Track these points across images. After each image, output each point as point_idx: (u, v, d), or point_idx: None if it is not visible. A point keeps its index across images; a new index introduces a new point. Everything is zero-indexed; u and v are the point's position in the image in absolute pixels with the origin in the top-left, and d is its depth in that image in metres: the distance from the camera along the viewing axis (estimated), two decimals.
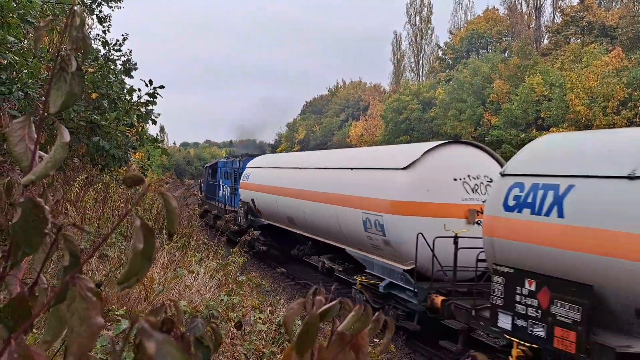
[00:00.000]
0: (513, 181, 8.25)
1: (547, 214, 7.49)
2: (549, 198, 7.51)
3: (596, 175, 6.88)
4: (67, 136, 1.07)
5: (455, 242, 9.97)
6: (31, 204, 1.04)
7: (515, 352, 7.92)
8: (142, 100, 7.03)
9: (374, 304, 12.41)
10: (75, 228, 1.02)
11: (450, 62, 58.29)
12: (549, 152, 8.39)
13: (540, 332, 7.39)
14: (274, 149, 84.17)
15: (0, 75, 4.90)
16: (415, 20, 67.03)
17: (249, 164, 23.02)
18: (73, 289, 0.84)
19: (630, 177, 6.36)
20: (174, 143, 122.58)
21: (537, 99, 32.94)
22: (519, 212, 8.00)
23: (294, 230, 18.11)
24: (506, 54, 47.50)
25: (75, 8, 1.11)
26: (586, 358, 6.65)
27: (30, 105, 5.19)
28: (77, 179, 11.00)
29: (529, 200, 7.86)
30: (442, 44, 63.24)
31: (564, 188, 7.30)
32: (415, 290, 10.84)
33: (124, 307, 5.33)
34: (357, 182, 13.35)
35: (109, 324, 4.57)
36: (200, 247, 12.42)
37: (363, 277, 13.18)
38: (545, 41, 49.24)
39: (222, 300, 7.63)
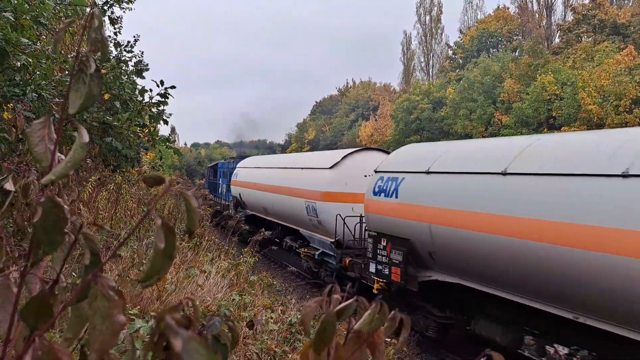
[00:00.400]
0: (379, 176, 12.45)
1: (391, 196, 11.60)
2: (393, 186, 11.67)
3: (413, 171, 11.12)
4: (86, 137, 1.08)
5: (360, 220, 14.40)
6: (51, 204, 1.06)
7: (376, 285, 12.14)
8: (153, 101, 7.07)
9: (314, 268, 17.62)
10: (96, 227, 1.03)
11: (461, 61, 58.10)
12: (400, 156, 12.60)
13: (386, 271, 11.70)
14: (284, 149, 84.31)
15: (14, 77, 4.95)
16: (425, 19, 66.92)
17: (238, 165, 27.41)
18: (95, 288, 0.85)
19: (427, 172, 10.63)
20: (185, 143, 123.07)
21: (548, 98, 32.77)
22: (379, 196, 12.21)
23: (268, 218, 22.21)
24: (517, 53, 47.28)
25: (95, 10, 1.12)
26: (405, 284, 11.02)
27: (43, 106, 5.24)
28: (90, 179, 11.08)
29: (384, 187, 12.04)
30: (452, 43, 63.06)
31: (400, 180, 11.50)
32: (335, 255, 15.32)
33: (137, 307, 5.37)
34: (301, 178, 17.82)
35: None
36: (212, 247, 12.47)
37: (306, 250, 17.95)
38: (557, 40, 48.97)
39: (233, 299, 7.66)
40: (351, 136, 62.31)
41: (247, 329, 6.38)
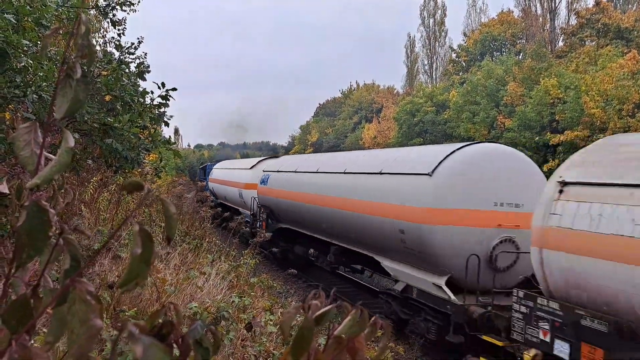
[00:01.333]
0: (264, 174, 22.21)
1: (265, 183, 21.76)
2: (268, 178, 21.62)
3: (285, 171, 20.08)
4: (71, 141, 1.09)
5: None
6: (36, 208, 1.07)
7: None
8: (154, 103, 7.08)
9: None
10: (77, 232, 1.04)
11: (464, 64, 58.06)
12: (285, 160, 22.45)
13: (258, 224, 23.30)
14: (287, 151, 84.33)
15: (15, 78, 4.97)
16: (429, 22, 66.86)
17: (214, 166, 37.80)
18: (73, 292, 0.86)
19: (295, 172, 19.39)
20: (189, 145, 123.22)
21: (551, 101, 32.71)
22: (264, 184, 22.08)
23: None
24: (520, 57, 47.23)
25: (82, 16, 1.13)
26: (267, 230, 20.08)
27: (44, 107, 5.26)
28: (92, 180, 11.12)
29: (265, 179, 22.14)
30: (455, 47, 63.02)
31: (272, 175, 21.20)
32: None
33: (135, 308, 5.38)
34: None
35: (119, 324, 4.61)
36: (213, 248, 12.49)
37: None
38: (560, 43, 48.90)
39: (233, 301, 7.67)
40: (354, 138, 62.28)
41: (246, 331, 6.39)
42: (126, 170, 9.86)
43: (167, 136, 10.23)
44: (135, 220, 0.86)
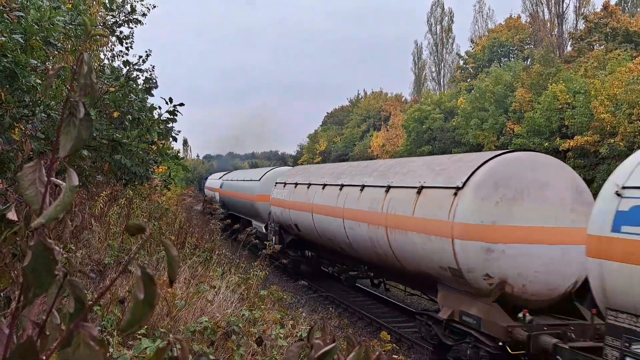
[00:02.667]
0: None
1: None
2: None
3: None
4: (75, 180, 1.10)
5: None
6: (42, 247, 1.08)
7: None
8: (162, 118, 7.12)
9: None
10: (81, 273, 1.05)
11: (472, 71, 57.99)
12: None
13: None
14: (295, 160, 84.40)
15: (24, 98, 5.02)
16: (436, 29, 66.89)
17: (210, 177, 50.46)
18: (78, 337, 0.87)
19: (258, 179, 26.27)
20: (197, 155, 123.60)
21: (560, 106, 32.58)
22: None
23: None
24: (528, 62, 47.12)
25: (84, 55, 1.15)
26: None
27: (53, 126, 5.30)
28: (101, 194, 11.18)
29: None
30: (463, 53, 62.97)
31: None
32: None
33: (146, 326, 5.38)
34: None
35: (130, 342, 4.62)
36: (222, 261, 12.51)
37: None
38: (568, 48, 48.76)
39: (243, 315, 7.66)
40: (363, 147, 62.25)
41: (256, 346, 6.38)
42: (136, 184, 9.90)
43: (176, 149, 10.28)
44: (137, 263, 0.87)
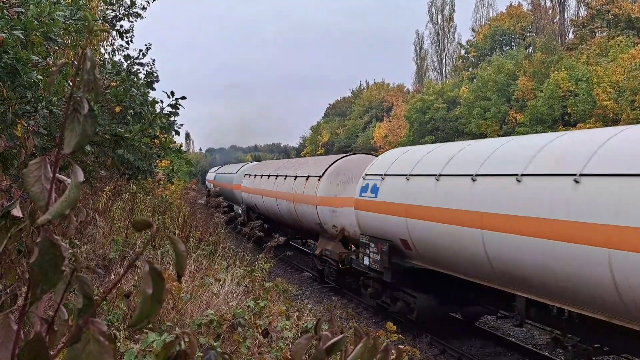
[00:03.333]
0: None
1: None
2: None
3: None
4: (81, 176, 1.10)
5: None
6: (48, 243, 1.08)
7: None
8: (164, 112, 7.12)
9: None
10: (90, 270, 1.05)
11: (474, 60, 57.83)
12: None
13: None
14: (298, 152, 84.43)
15: (26, 94, 5.02)
16: (437, 19, 66.70)
17: (209, 170, 53.36)
18: (87, 333, 0.87)
19: (235, 172, 33.65)
20: (200, 149, 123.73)
21: (562, 94, 32.51)
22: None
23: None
24: (530, 50, 46.96)
25: (87, 51, 1.15)
26: None
27: (55, 122, 5.30)
28: (105, 189, 11.19)
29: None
30: (464, 42, 62.79)
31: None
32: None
33: (150, 323, 5.40)
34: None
35: (137, 336, 4.64)
36: (227, 253, 12.54)
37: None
38: (571, 36, 48.58)
39: (248, 307, 7.68)
40: (365, 138, 62.23)
41: (262, 337, 6.40)
42: (139, 178, 9.92)
43: (179, 143, 10.29)
44: (145, 258, 0.87)
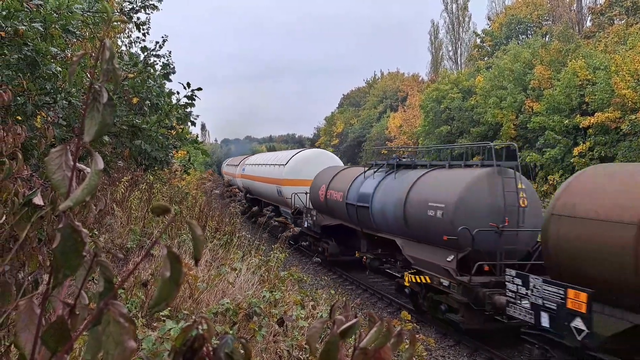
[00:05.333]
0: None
1: None
2: None
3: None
4: (101, 164, 1.13)
5: None
6: (70, 229, 1.11)
7: None
8: (180, 103, 7.16)
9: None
10: (110, 254, 1.08)
11: (489, 49, 57.29)
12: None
13: None
14: (312, 142, 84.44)
15: (45, 85, 5.08)
16: (452, 8, 66.08)
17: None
18: (107, 314, 0.90)
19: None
20: (215, 140, 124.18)
21: (580, 83, 32.15)
22: None
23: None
24: (547, 39, 46.43)
25: (106, 41, 1.17)
26: None
27: (74, 113, 5.36)
28: (122, 180, 11.30)
29: None
30: (480, 31, 62.19)
31: None
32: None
33: (169, 307, 5.47)
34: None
35: (154, 324, 4.70)
36: (243, 243, 12.60)
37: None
38: (588, 24, 47.95)
39: (264, 296, 7.74)
40: (380, 128, 62.05)
41: (277, 327, 6.46)
42: (156, 169, 9.99)
43: (195, 134, 10.36)
44: (164, 243, 0.89)
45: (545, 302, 9.05)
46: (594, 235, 8.32)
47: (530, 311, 9.42)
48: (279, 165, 26.43)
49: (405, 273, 13.39)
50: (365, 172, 17.47)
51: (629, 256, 7.69)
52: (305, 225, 21.83)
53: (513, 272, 9.92)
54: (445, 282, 11.63)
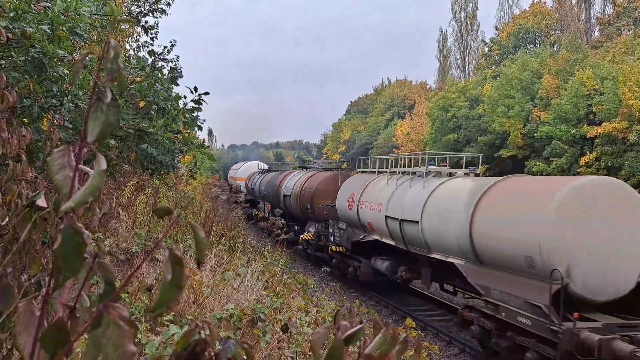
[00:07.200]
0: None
1: None
2: None
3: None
4: (104, 164, 1.11)
5: None
6: (71, 230, 1.09)
7: None
8: (187, 107, 7.16)
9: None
10: (111, 256, 1.06)
11: (497, 58, 57.23)
12: None
13: None
14: (319, 149, 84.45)
15: (52, 88, 5.08)
16: (461, 16, 66.13)
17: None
18: (107, 317, 0.88)
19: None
20: (222, 145, 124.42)
21: (587, 93, 32.04)
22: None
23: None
24: (555, 48, 46.34)
25: (111, 41, 1.16)
26: None
27: (80, 115, 5.36)
28: (128, 184, 11.31)
29: None
30: (488, 40, 62.16)
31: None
32: None
33: (173, 312, 5.45)
34: None
35: (158, 329, 4.68)
36: (247, 249, 12.60)
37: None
38: (596, 34, 47.86)
39: (267, 303, 7.71)
40: (387, 135, 61.99)
41: (282, 333, 6.42)
42: (162, 173, 10.00)
43: (202, 139, 10.37)
44: (166, 245, 0.88)
45: None
46: None
47: None
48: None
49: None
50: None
51: None
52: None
53: None
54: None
